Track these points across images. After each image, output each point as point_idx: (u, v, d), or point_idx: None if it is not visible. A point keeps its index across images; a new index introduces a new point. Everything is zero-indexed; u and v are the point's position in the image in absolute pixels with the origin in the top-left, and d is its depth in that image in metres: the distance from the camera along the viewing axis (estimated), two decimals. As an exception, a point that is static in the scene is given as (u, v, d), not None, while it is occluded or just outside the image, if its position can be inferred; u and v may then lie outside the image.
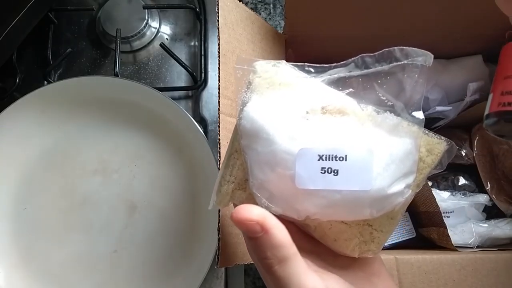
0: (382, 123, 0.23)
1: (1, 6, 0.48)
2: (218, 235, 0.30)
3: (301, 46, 0.47)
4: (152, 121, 0.51)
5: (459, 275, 0.39)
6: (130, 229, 0.49)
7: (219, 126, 0.33)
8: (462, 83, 0.50)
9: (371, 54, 0.23)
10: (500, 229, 0.46)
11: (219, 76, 0.34)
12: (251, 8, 0.45)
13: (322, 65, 0.24)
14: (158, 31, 0.59)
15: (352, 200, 0.22)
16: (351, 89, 0.23)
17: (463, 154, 0.52)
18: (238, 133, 0.24)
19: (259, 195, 0.23)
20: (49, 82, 0.54)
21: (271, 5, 0.65)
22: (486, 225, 0.47)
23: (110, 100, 0.51)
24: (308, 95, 0.23)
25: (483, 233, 0.46)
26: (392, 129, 0.23)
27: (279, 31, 0.45)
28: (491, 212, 0.51)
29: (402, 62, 0.23)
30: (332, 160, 0.22)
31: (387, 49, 0.23)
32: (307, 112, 0.23)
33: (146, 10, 0.57)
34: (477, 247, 0.46)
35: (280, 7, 0.65)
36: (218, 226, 0.31)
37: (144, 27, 0.57)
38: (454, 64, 0.52)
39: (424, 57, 0.23)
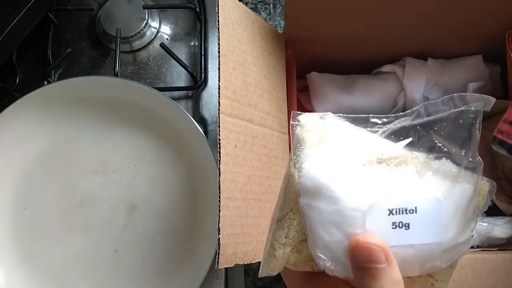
0: (439, 170, 0.22)
1: (1, 6, 0.48)
2: (218, 235, 0.30)
3: (301, 46, 0.47)
4: (152, 121, 0.51)
5: (459, 275, 0.39)
6: (130, 229, 0.49)
7: (219, 126, 0.33)
8: (462, 83, 0.50)
9: (433, 101, 0.23)
10: (499, 227, 0.46)
11: (219, 76, 0.34)
12: (251, 8, 0.45)
13: (388, 115, 0.24)
14: (158, 31, 0.59)
15: (424, 253, 0.21)
16: (411, 138, 0.23)
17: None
18: (292, 191, 0.23)
19: (323, 257, 0.22)
20: (49, 82, 0.54)
21: (271, 5, 0.65)
22: (485, 224, 0.47)
23: (110, 100, 0.51)
24: (361, 147, 0.23)
25: (482, 232, 0.46)
26: (450, 175, 0.22)
27: (279, 31, 0.45)
28: (491, 212, 0.51)
29: (460, 109, 0.23)
30: (402, 213, 0.21)
31: (448, 96, 0.23)
32: (364, 165, 0.22)
33: (146, 10, 0.57)
34: (477, 247, 0.46)
35: (280, 7, 0.65)
36: (218, 226, 0.31)
37: (144, 27, 0.57)
38: (454, 64, 0.52)
39: (481, 102, 0.22)
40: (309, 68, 0.53)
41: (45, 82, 0.55)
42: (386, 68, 0.52)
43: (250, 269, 0.56)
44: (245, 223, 0.33)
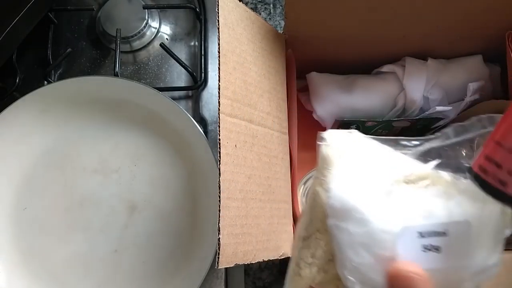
0: (467, 190, 0.22)
1: (1, 6, 0.48)
2: (218, 235, 0.30)
3: (301, 46, 0.47)
4: (152, 121, 0.51)
5: None
6: (130, 229, 0.49)
7: (219, 126, 0.33)
8: (462, 83, 0.50)
9: (461, 123, 0.23)
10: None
11: (219, 76, 0.34)
12: (251, 8, 0.45)
13: (417, 137, 0.23)
14: (158, 31, 0.59)
15: (454, 276, 0.21)
16: (438, 160, 0.23)
17: (463, 154, 0.52)
18: (318, 211, 0.23)
19: (352, 279, 0.21)
20: (49, 82, 0.54)
21: (271, 5, 0.66)
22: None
23: (110, 100, 0.51)
24: (389, 166, 0.22)
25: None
26: (478, 195, 0.21)
27: (279, 31, 0.45)
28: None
29: (488, 129, 0.23)
30: (432, 236, 0.21)
31: (476, 117, 0.23)
32: (392, 185, 0.22)
33: (146, 10, 0.57)
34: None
35: (280, 7, 0.65)
36: (218, 226, 0.31)
37: (144, 27, 0.57)
38: (454, 64, 0.52)
39: None
40: (309, 68, 0.53)
41: (45, 82, 0.55)
42: (386, 68, 0.52)
43: (250, 269, 0.56)
44: (245, 223, 0.33)
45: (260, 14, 0.65)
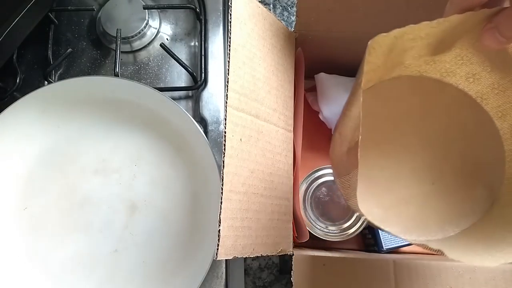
0: None
1: (1, 6, 0.48)
2: (218, 227, 0.30)
3: (311, 45, 0.46)
4: (152, 121, 0.51)
5: (456, 282, 0.39)
6: (130, 229, 0.49)
7: (225, 119, 0.33)
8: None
9: None
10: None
11: (228, 70, 0.33)
12: (251, 8, 0.45)
13: None
14: (158, 31, 0.59)
15: None
16: None
17: None
18: None
19: None
20: (49, 82, 0.54)
21: (271, 5, 0.66)
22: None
23: (110, 100, 0.51)
24: None
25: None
26: None
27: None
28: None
29: None
30: None
31: None
32: None
33: (146, 10, 0.57)
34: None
35: (280, 7, 0.65)
36: (219, 217, 0.31)
37: (145, 27, 0.57)
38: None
39: None
40: (318, 68, 0.53)
41: (46, 82, 0.55)
42: (395, 72, 0.52)
43: (250, 269, 0.56)
44: (246, 217, 0.34)
45: (260, 14, 0.65)
